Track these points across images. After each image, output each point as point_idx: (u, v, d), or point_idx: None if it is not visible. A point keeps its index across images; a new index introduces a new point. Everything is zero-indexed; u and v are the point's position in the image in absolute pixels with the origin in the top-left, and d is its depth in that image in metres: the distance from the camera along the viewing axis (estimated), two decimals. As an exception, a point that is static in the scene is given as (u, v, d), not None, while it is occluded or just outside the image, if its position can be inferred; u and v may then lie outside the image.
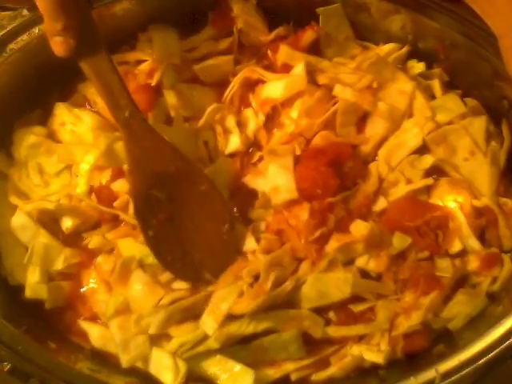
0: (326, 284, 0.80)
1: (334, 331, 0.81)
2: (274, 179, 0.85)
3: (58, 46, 0.73)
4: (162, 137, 0.82)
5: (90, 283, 0.85)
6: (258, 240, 0.84)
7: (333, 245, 0.82)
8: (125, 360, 0.79)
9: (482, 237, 0.86)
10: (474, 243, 0.84)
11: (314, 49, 0.95)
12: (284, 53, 0.91)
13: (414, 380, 0.76)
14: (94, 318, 0.84)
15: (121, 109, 0.79)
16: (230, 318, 0.78)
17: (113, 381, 0.79)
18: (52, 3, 0.70)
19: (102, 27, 0.91)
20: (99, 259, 0.85)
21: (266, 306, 0.79)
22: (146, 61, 0.93)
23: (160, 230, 0.81)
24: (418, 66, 0.94)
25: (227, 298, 0.79)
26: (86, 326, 0.84)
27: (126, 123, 0.79)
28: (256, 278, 0.80)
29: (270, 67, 0.94)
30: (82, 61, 0.77)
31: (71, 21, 0.72)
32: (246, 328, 0.78)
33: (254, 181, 0.87)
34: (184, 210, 0.81)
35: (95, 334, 0.83)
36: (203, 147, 0.89)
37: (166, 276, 0.83)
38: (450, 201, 0.86)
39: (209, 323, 0.78)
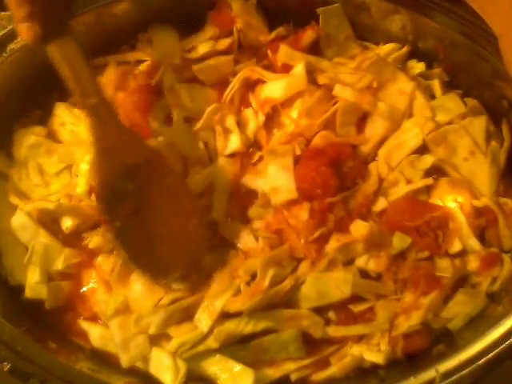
0: (326, 284, 0.80)
1: (333, 331, 0.81)
2: (274, 179, 0.85)
3: (25, 33, 0.72)
4: (128, 128, 0.81)
5: (90, 283, 0.85)
6: (256, 239, 0.84)
7: (333, 245, 0.82)
8: (125, 360, 0.79)
9: (482, 237, 0.86)
10: (473, 243, 0.84)
11: (314, 49, 0.95)
12: (284, 53, 0.91)
13: (413, 380, 0.76)
14: (94, 318, 0.84)
15: (88, 96, 0.77)
16: (227, 316, 0.78)
17: (113, 381, 0.79)
18: None
19: (101, 27, 0.92)
20: (99, 259, 0.85)
21: (263, 305, 0.79)
22: (145, 61, 0.93)
23: (126, 222, 0.79)
24: (417, 66, 0.94)
25: (222, 295, 0.79)
26: (86, 325, 0.84)
27: (93, 110, 0.77)
28: (254, 276, 0.80)
29: (270, 67, 0.94)
30: (49, 46, 0.75)
31: (36, 8, 0.71)
32: (245, 327, 0.78)
33: (253, 181, 0.87)
34: (151, 202, 0.80)
35: (95, 334, 0.83)
36: (203, 147, 0.89)
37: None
38: (450, 201, 0.86)
39: (203, 320, 0.78)
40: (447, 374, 0.75)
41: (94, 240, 0.85)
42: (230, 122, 0.90)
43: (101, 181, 0.79)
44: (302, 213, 0.83)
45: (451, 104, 0.91)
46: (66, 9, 0.77)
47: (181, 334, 0.79)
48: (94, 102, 0.77)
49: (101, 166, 0.79)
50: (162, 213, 0.80)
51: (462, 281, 0.84)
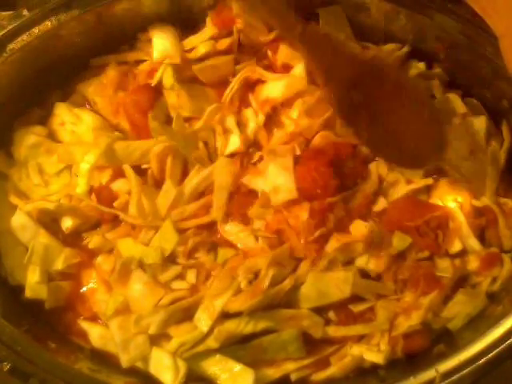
0: (326, 284, 0.80)
1: (333, 331, 0.81)
2: (274, 179, 0.85)
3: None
4: (339, 41, 0.86)
5: (90, 283, 0.85)
6: (256, 239, 0.84)
7: (333, 245, 0.82)
8: (125, 360, 0.79)
9: (482, 237, 0.86)
10: (473, 243, 0.84)
11: (314, 49, 0.94)
12: (284, 53, 0.91)
13: (413, 380, 0.76)
14: (94, 318, 0.84)
15: (293, 28, 0.83)
16: (227, 316, 0.79)
17: (113, 381, 0.79)
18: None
19: (101, 27, 0.92)
20: (99, 259, 0.85)
21: (263, 305, 0.79)
22: (145, 61, 0.93)
23: (370, 130, 0.84)
24: (417, 66, 0.94)
25: (222, 295, 0.79)
26: (86, 325, 0.84)
27: (302, 39, 0.83)
28: (254, 276, 0.80)
29: (270, 67, 0.94)
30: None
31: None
32: (245, 327, 0.78)
33: (253, 181, 0.87)
34: (383, 105, 0.85)
35: (95, 334, 0.83)
36: (203, 147, 0.89)
37: (165, 276, 0.83)
38: (450, 201, 0.86)
39: (203, 320, 0.78)
40: (447, 374, 0.75)
41: (93, 240, 0.85)
42: (230, 122, 0.90)
43: (336, 98, 0.84)
44: (302, 213, 0.83)
45: (451, 104, 0.91)
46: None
47: (181, 334, 0.79)
48: (299, 31, 0.83)
49: (331, 85, 0.84)
50: (396, 111, 0.85)
51: (462, 281, 0.84)
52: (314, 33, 0.84)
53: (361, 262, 0.83)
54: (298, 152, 0.86)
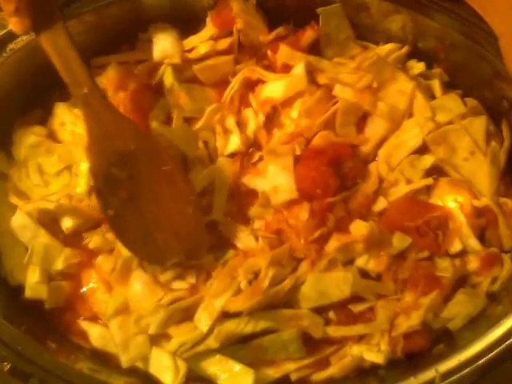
0: (326, 284, 0.80)
1: (333, 331, 0.81)
2: (274, 179, 0.85)
3: (15, 26, 0.75)
4: (122, 114, 0.82)
5: (90, 283, 0.85)
6: (256, 239, 0.84)
7: (333, 245, 0.82)
8: (125, 360, 0.79)
9: (481, 237, 0.86)
10: (473, 243, 0.84)
11: (314, 49, 0.95)
12: (284, 53, 0.91)
13: (414, 380, 0.76)
14: (94, 318, 0.84)
15: (79, 85, 0.78)
16: (227, 316, 0.79)
17: (113, 381, 0.79)
18: None
19: (102, 27, 0.92)
20: (99, 259, 0.85)
21: (263, 305, 0.79)
22: (145, 61, 0.93)
23: (121, 210, 0.79)
24: (417, 66, 0.94)
25: (222, 295, 0.79)
26: (86, 325, 0.84)
27: (85, 100, 0.79)
28: (254, 276, 0.80)
29: (270, 67, 0.94)
30: (40, 37, 0.77)
31: (24, 2, 0.73)
32: (245, 327, 0.78)
33: (253, 181, 0.87)
34: (146, 189, 0.80)
35: (95, 334, 0.83)
36: (203, 147, 0.89)
37: (165, 276, 0.83)
38: (450, 201, 0.86)
39: (203, 320, 0.78)
40: (447, 374, 0.75)
41: (94, 240, 0.85)
42: (230, 122, 0.90)
43: (94, 168, 0.80)
44: (302, 213, 0.83)
45: (451, 104, 0.91)
46: (54, 0, 0.78)
47: (181, 334, 0.79)
48: (85, 92, 0.78)
49: (94, 153, 0.80)
50: (158, 200, 0.80)
51: (462, 281, 0.84)
52: (99, 98, 0.79)
53: (361, 262, 0.83)
54: (298, 152, 0.86)
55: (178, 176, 0.82)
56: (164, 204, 0.80)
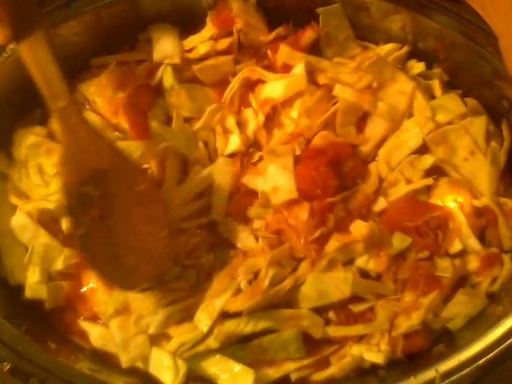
0: (326, 284, 0.80)
1: (333, 331, 0.81)
2: (274, 179, 0.85)
3: None
4: (97, 132, 0.80)
5: (90, 283, 0.85)
6: (256, 239, 0.84)
7: (333, 245, 0.82)
8: (125, 360, 0.79)
9: (481, 237, 0.86)
10: (473, 243, 0.84)
11: (314, 49, 0.95)
12: (284, 53, 0.91)
13: (414, 380, 0.76)
14: (94, 318, 0.84)
15: (57, 98, 0.76)
16: (227, 316, 0.79)
17: (113, 381, 0.79)
18: None
19: (102, 27, 0.92)
20: (99, 259, 0.85)
21: (263, 305, 0.79)
22: (145, 61, 0.93)
23: (92, 229, 0.76)
24: (417, 66, 0.94)
25: (222, 295, 0.79)
26: (86, 325, 0.84)
27: (61, 114, 0.77)
28: (253, 276, 0.80)
29: (270, 67, 0.94)
30: (20, 47, 0.76)
31: (3, 12, 0.71)
32: (245, 327, 0.78)
33: (253, 181, 0.87)
34: (118, 209, 0.77)
35: (95, 334, 0.83)
36: (203, 147, 0.89)
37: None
38: (450, 201, 0.86)
39: (203, 320, 0.78)
40: (447, 374, 0.75)
41: (94, 240, 0.85)
42: (230, 122, 0.90)
43: (65, 185, 0.77)
44: (302, 213, 0.83)
45: (451, 104, 0.91)
46: (35, 10, 0.76)
47: (181, 334, 0.79)
48: (63, 105, 0.77)
49: (68, 170, 0.77)
50: (130, 221, 0.77)
51: (462, 281, 0.84)
52: (75, 113, 0.77)
53: (361, 262, 0.83)
54: (298, 152, 0.86)
55: (153, 197, 0.79)
56: (136, 225, 0.77)
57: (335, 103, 0.89)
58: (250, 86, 0.93)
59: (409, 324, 0.80)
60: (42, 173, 0.89)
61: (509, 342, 0.75)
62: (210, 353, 0.79)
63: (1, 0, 0.71)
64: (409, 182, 0.87)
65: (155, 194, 0.80)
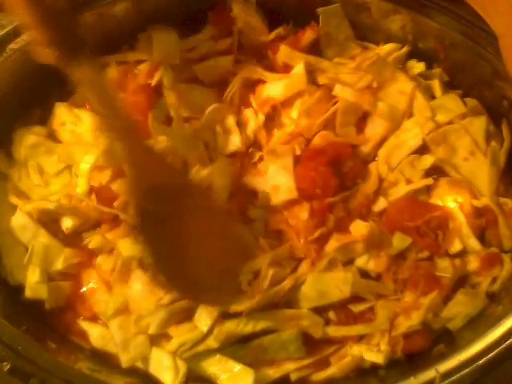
0: (326, 284, 0.80)
1: (333, 331, 0.81)
2: (274, 179, 0.85)
3: (44, 56, 0.73)
4: (154, 149, 0.80)
5: (90, 283, 0.85)
6: (256, 239, 0.84)
7: (333, 245, 0.82)
8: (125, 360, 0.79)
9: (481, 237, 0.86)
10: (473, 243, 0.84)
11: (314, 49, 0.95)
12: (284, 53, 0.92)
13: (414, 380, 0.76)
14: (94, 318, 0.84)
15: (119, 118, 0.75)
16: (227, 316, 0.79)
17: (113, 381, 0.79)
18: (36, 17, 0.70)
19: (102, 27, 0.92)
20: (99, 259, 0.85)
21: (263, 305, 0.79)
22: (145, 61, 0.93)
23: (161, 244, 0.76)
24: (417, 66, 0.95)
25: (222, 295, 0.79)
26: (86, 325, 0.84)
27: (126, 133, 0.75)
28: (253, 276, 0.80)
29: (270, 67, 0.94)
30: (69, 68, 0.74)
31: (54, 32, 0.71)
32: (245, 327, 0.78)
33: (253, 181, 0.87)
34: (185, 224, 0.77)
35: (95, 334, 0.83)
36: (203, 147, 0.89)
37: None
38: (450, 201, 0.86)
39: (203, 320, 0.78)
40: (447, 374, 0.75)
41: (94, 240, 0.85)
42: (230, 122, 0.90)
43: (135, 204, 0.76)
44: (302, 213, 0.83)
45: (451, 104, 0.91)
46: (80, 33, 0.75)
47: (181, 334, 0.79)
48: (126, 125, 0.75)
49: (134, 188, 0.76)
50: (196, 235, 0.77)
51: (462, 281, 0.84)
52: (134, 131, 0.76)
53: (361, 262, 0.83)
54: (298, 152, 0.86)
55: (217, 212, 0.80)
56: (202, 240, 0.77)
57: (335, 103, 0.89)
58: (250, 85, 0.93)
59: (409, 324, 0.80)
60: (42, 173, 0.90)
61: (509, 342, 0.75)
62: (209, 353, 0.79)
63: (52, 24, 0.71)
64: (409, 182, 0.87)
65: (218, 209, 0.82)
